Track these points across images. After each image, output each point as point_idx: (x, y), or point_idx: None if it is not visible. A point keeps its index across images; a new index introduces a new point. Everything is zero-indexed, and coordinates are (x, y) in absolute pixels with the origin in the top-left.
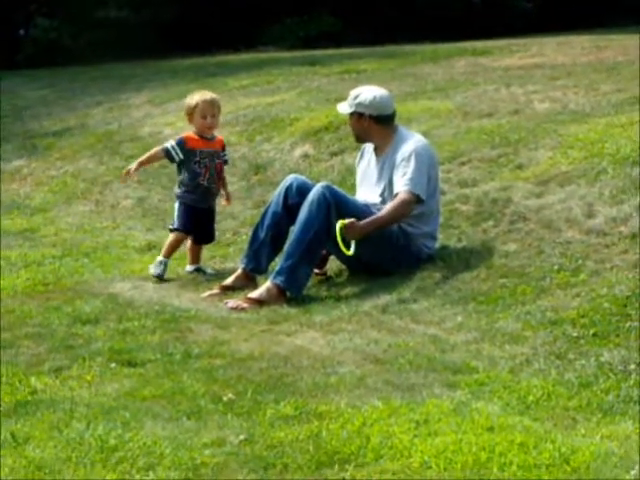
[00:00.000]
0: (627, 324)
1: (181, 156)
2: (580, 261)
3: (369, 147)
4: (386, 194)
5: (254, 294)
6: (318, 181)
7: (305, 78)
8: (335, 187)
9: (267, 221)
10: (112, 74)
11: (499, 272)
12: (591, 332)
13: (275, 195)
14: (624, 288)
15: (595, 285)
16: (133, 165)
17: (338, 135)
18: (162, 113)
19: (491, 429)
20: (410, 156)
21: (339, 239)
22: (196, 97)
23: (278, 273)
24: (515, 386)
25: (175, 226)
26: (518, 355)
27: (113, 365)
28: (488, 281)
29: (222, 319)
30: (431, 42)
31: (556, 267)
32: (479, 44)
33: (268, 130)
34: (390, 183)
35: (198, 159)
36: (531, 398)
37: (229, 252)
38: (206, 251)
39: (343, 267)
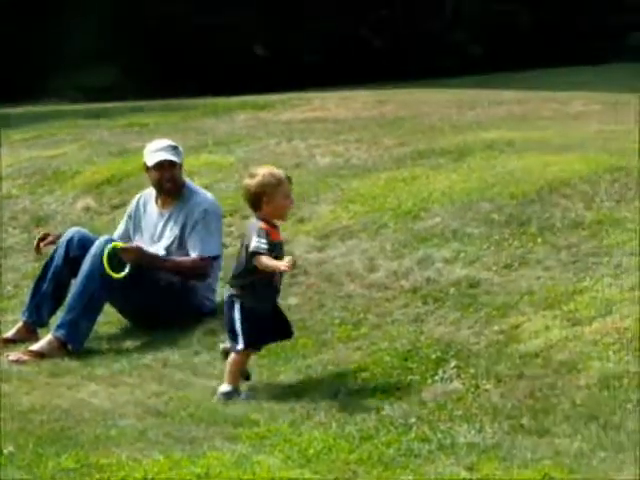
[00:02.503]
0: (408, 378)
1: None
2: (361, 315)
3: (146, 197)
4: (173, 248)
5: (35, 347)
6: (100, 234)
7: (88, 131)
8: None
9: (49, 274)
10: None
11: None
12: (372, 385)
13: (57, 248)
14: (405, 342)
15: (376, 339)
16: (283, 261)
17: (119, 188)
18: None
19: None
20: (205, 218)
21: (105, 262)
22: (276, 173)
23: (59, 326)
24: (296, 439)
25: (242, 345)
26: (299, 408)
27: None
28: None
29: (3, 372)
30: (213, 95)
31: (337, 321)
32: (260, 98)
33: (50, 183)
34: (181, 238)
35: (276, 254)
36: (312, 451)
37: (10, 305)
38: None
39: (124, 320)
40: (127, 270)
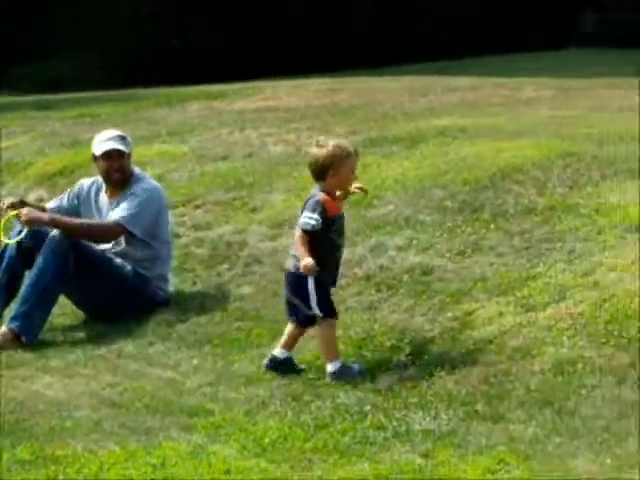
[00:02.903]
0: (363, 365)
1: (320, 227)
2: None
3: (98, 185)
4: (121, 238)
5: None
6: None
7: (39, 122)
8: None
9: (2, 265)
10: None
11: (234, 315)
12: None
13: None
14: (359, 330)
15: None
16: (307, 260)
17: (72, 179)
18: None
19: (228, 472)
20: (140, 194)
21: (1, 230)
22: (344, 146)
23: (13, 318)
24: (251, 428)
25: (323, 312)
26: (254, 397)
27: None
28: (223, 324)
29: None
30: (167, 85)
31: None
32: (213, 88)
33: (2, 175)
34: None
35: (336, 228)
36: (267, 440)
37: None
38: None
39: (79, 312)
40: (22, 235)
